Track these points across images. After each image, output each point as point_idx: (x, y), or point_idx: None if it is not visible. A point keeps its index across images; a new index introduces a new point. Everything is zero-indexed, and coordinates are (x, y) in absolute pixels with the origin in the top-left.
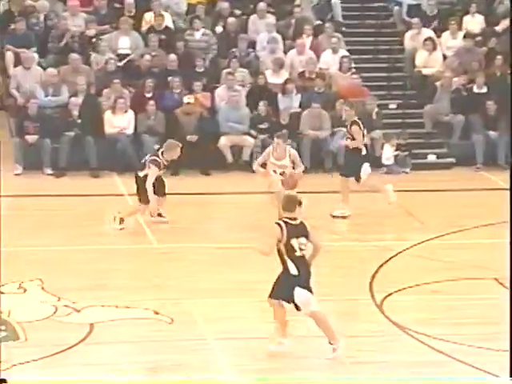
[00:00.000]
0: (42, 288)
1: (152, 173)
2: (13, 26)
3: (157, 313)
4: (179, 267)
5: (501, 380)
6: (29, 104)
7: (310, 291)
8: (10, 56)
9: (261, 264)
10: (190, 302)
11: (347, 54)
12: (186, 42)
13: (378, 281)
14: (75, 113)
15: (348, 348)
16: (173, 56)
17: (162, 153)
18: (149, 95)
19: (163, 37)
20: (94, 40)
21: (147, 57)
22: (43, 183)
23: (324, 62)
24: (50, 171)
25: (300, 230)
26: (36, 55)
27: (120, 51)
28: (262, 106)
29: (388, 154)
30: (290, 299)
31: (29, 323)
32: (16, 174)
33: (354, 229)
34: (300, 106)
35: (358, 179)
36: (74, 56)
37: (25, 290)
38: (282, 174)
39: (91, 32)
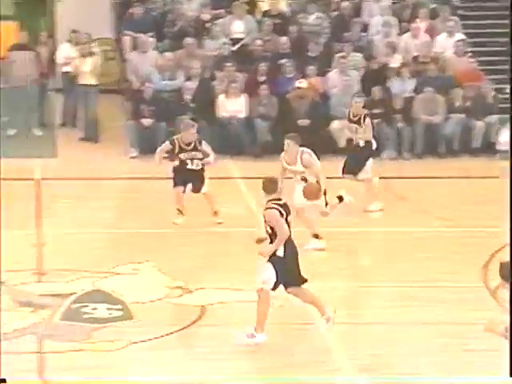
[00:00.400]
0: (156, 269)
1: (163, 146)
2: (131, 11)
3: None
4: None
5: (501, 380)
6: (144, 88)
7: (298, 272)
8: (127, 40)
9: (371, 247)
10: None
11: (463, 37)
12: (299, 26)
13: (491, 268)
14: (188, 97)
15: (461, 335)
16: (284, 39)
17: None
18: (262, 79)
19: (277, 21)
20: (208, 24)
21: (259, 41)
22: (157, 166)
23: (439, 46)
24: (164, 155)
25: (287, 209)
26: (153, 40)
27: (234, 35)
28: (375, 91)
29: (504, 139)
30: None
31: (142, 304)
32: (132, 157)
33: (466, 215)
34: (415, 91)
35: (356, 173)
36: (189, 40)
37: (139, 272)
38: (302, 179)
39: (206, 16)
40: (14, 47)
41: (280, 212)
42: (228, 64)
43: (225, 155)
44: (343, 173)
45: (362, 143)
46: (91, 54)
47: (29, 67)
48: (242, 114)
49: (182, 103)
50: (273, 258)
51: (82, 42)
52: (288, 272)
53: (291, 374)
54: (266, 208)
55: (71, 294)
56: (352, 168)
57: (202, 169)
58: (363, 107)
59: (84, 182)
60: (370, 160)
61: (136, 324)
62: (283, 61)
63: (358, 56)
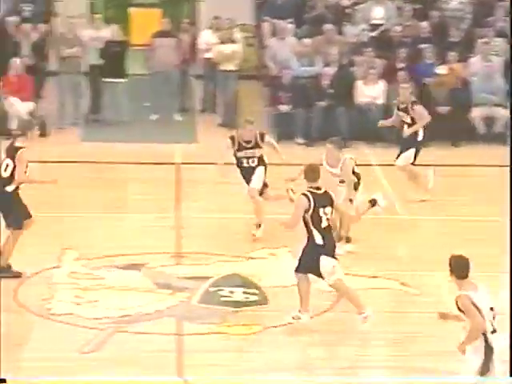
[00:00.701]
0: (292, 255)
1: (225, 144)
2: None
3: (404, 284)
4: (429, 239)
5: (501, 380)
6: (282, 74)
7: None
8: (266, 27)
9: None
10: (439, 274)
11: None
12: (440, 11)
13: None
14: (326, 82)
15: None
16: (425, 23)
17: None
18: (400, 66)
19: (418, 6)
20: (348, 10)
21: (399, 27)
22: (295, 152)
23: None
24: (301, 140)
25: (325, 199)
26: (292, 26)
27: (373, 21)
28: None
29: None
30: (315, 270)
31: (279, 288)
32: None
33: None
34: None
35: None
36: (328, 26)
37: (275, 257)
38: (341, 181)
39: (345, 2)
40: (157, 34)
41: (309, 201)
42: (367, 50)
43: (362, 141)
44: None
45: (407, 132)
46: (232, 40)
47: (171, 53)
48: (380, 101)
49: (320, 89)
50: (312, 245)
51: (224, 29)
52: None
53: (430, 362)
54: (301, 193)
55: (209, 278)
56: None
57: (259, 167)
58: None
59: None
60: (412, 150)
61: (271, 309)
62: (423, 46)
63: (501, 41)
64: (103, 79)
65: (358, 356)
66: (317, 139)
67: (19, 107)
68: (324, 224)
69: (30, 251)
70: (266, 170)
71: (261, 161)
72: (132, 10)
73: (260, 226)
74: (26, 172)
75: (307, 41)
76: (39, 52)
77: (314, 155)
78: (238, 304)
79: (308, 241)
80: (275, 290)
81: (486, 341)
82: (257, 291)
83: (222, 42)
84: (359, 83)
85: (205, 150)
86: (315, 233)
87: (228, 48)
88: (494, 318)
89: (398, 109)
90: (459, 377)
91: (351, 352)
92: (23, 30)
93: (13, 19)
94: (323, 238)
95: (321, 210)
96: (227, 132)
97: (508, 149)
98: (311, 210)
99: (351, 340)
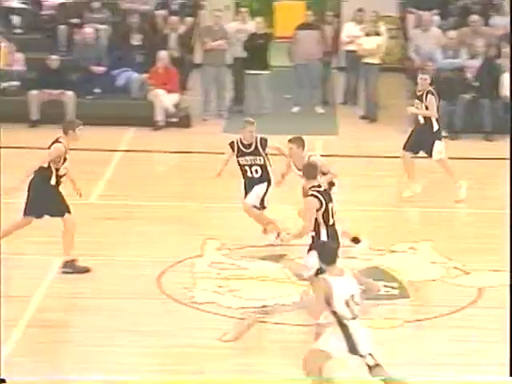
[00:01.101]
0: (433, 249)
1: (226, 155)
2: None
3: None
4: None
5: (501, 380)
6: (426, 66)
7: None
8: (411, 18)
9: None
10: None
11: None
12: None
13: None
14: (470, 75)
15: None
16: None
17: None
18: None
19: None
20: (496, 1)
21: None
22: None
23: None
24: (444, 133)
25: (329, 195)
26: (437, 17)
27: None
28: None
29: None
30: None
31: (419, 283)
32: None
33: None
34: None
35: (430, 155)
36: (475, 18)
37: (416, 251)
38: None
39: None
40: (300, 26)
41: (320, 200)
42: None
43: (506, 135)
44: (403, 148)
45: (421, 120)
46: (376, 33)
47: (314, 46)
48: None
49: (465, 82)
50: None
51: (367, 21)
52: None
53: None
54: (308, 195)
55: None
56: (412, 144)
57: (264, 178)
58: (430, 84)
59: (362, 160)
60: (438, 142)
61: (411, 303)
62: None
63: None
64: (246, 71)
65: (495, 353)
66: (460, 132)
67: (164, 99)
68: (331, 221)
69: (173, 240)
70: (268, 187)
71: (265, 171)
72: (276, 3)
73: (279, 234)
74: (56, 165)
75: (452, 33)
76: (185, 44)
77: (456, 148)
78: (378, 297)
79: (313, 240)
80: (416, 285)
81: (344, 326)
82: (397, 285)
83: (367, 35)
84: (505, 75)
85: (346, 143)
86: (323, 231)
87: (372, 41)
88: (356, 304)
89: (416, 97)
90: None
91: (490, 349)
92: (171, 22)
93: (161, 12)
94: (328, 235)
95: (330, 205)
96: (368, 125)
97: None
98: (323, 209)
99: (491, 337)
